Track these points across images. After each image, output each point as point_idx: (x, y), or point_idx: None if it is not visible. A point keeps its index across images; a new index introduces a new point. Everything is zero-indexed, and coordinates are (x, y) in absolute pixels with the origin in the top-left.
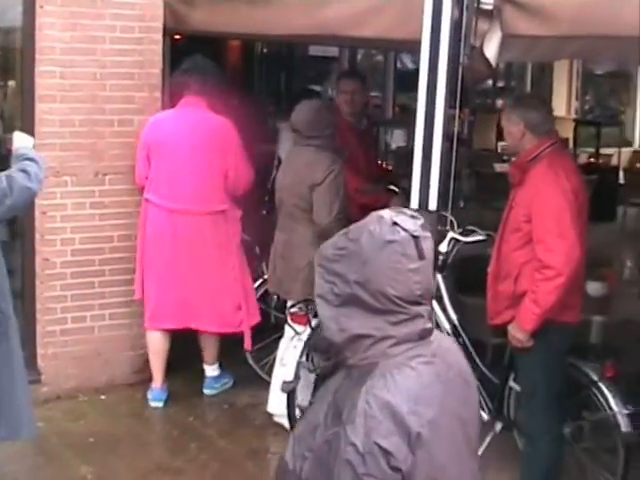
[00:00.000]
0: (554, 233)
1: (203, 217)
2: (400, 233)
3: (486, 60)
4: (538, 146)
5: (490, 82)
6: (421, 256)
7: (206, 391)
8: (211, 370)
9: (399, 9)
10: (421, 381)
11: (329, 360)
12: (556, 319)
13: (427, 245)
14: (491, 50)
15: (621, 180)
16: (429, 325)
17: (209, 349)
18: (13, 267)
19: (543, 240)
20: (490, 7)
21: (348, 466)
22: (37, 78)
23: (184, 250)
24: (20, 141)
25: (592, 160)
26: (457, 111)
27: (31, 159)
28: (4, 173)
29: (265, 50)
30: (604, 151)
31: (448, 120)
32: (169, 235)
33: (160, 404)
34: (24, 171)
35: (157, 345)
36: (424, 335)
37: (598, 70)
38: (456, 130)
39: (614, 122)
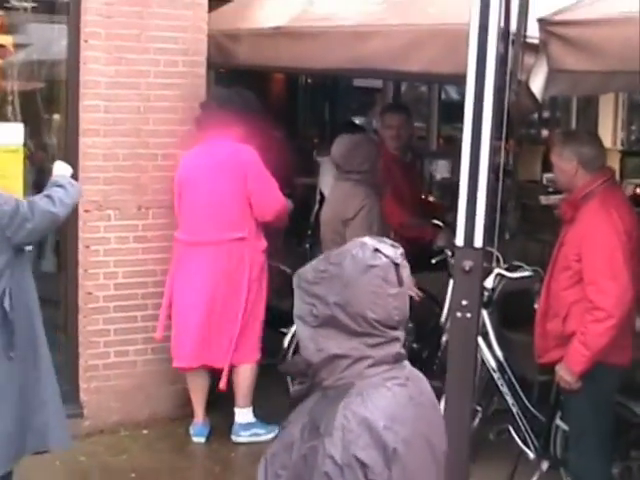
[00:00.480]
0: (606, 274)
1: (218, 246)
2: (382, 259)
3: (532, 94)
4: (591, 182)
5: (535, 113)
6: (400, 283)
7: (232, 437)
8: (240, 414)
9: (443, 43)
10: (396, 401)
11: (303, 384)
12: (606, 360)
13: (406, 273)
14: (537, 84)
15: None
16: (403, 350)
17: (237, 389)
18: (56, 300)
19: (594, 281)
20: (536, 41)
21: (326, 478)
22: (81, 112)
23: (198, 283)
24: (58, 169)
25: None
26: (503, 143)
27: (60, 185)
28: (29, 198)
29: (309, 81)
30: None
31: (494, 152)
32: (186, 269)
33: (202, 439)
34: (48, 196)
35: (195, 380)
36: (399, 359)
37: None
38: (502, 162)
39: None
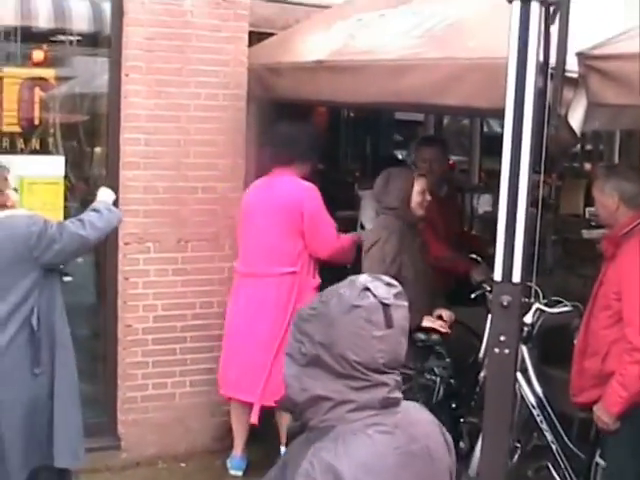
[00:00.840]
0: None
1: (268, 279)
2: (369, 299)
3: (571, 128)
4: (633, 219)
5: (579, 146)
6: (389, 324)
7: None
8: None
9: (481, 77)
10: (374, 450)
11: (297, 421)
12: None
13: (399, 314)
14: (576, 119)
15: None
16: (395, 395)
17: (281, 427)
18: (96, 332)
19: (633, 322)
20: (575, 75)
21: None
22: (122, 145)
23: (246, 314)
24: (101, 195)
25: None
26: (542, 177)
27: (96, 210)
28: (59, 221)
29: (351, 115)
30: None
31: (533, 186)
32: (239, 299)
33: (239, 472)
34: (80, 220)
35: (238, 410)
36: (387, 404)
37: None
38: (540, 196)
39: None
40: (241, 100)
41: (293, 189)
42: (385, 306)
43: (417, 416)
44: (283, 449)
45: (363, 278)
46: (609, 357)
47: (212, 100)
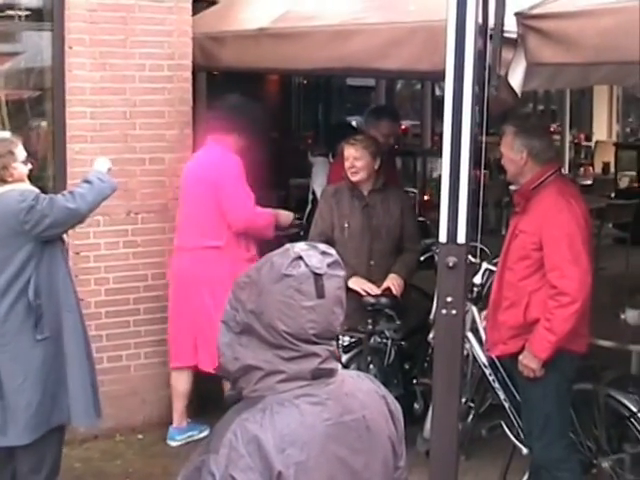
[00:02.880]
0: (568, 259)
1: (196, 252)
2: (300, 268)
3: (511, 89)
4: (542, 173)
5: (531, 107)
6: (320, 294)
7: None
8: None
9: (422, 41)
10: (302, 421)
11: (233, 389)
12: (567, 348)
13: (332, 284)
14: (516, 79)
15: None
16: (328, 365)
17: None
18: None
19: (558, 267)
20: (514, 36)
21: None
22: (68, 119)
23: (183, 287)
24: (96, 164)
25: (634, 184)
26: (484, 138)
27: (88, 181)
28: (51, 195)
29: (303, 82)
30: None
31: (478, 148)
32: (176, 273)
33: (173, 443)
34: (71, 192)
35: (177, 381)
36: (318, 375)
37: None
38: (483, 157)
39: None
40: (186, 70)
41: (215, 161)
42: (317, 275)
43: (355, 386)
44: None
45: (298, 247)
46: (530, 306)
47: (157, 71)
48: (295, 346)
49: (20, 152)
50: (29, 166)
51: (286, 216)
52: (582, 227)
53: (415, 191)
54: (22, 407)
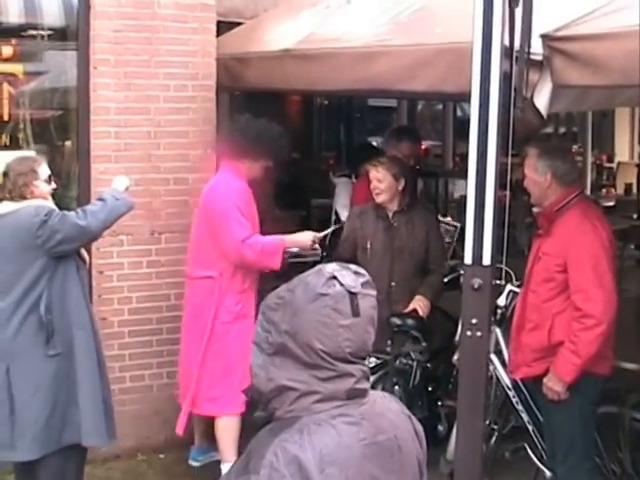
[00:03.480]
0: (593, 282)
1: (193, 282)
2: (335, 287)
3: (537, 110)
4: (566, 195)
5: (552, 128)
6: (355, 313)
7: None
8: (223, 468)
9: (448, 62)
10: (339, 441)
11: (264, 411)
12: (591, 371)
13: (366, 303)
14: (542, 101)
15: None
16: (362, 385)
17: (219, 442)
18: None
19: (582, 289)
20: (540, 58)
21: None
22: (92, 138)
23: (184, 319)
24: (114, 183)
25: None
26: (509, 159)
27: (102, 199)
28: (64, 211)
29: (324, 102)
30: None
31: (502, 170)
32: (184, 303)
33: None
34: (83, 210)
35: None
36: (353, 395)
37: None
38: (509, 179)
39: None
40: (210, 91)
41: (215, 188)
42: (352, 294)
43: (385, 406)
44: (222, 466)
45: (331, 267)
46: (554, 329)
47: (181, 91)
48: (332, 365)
49: (43, 171)
50: (53, 185)
51: (305, 237)
52: (607, 249)
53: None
54: (30, 421)
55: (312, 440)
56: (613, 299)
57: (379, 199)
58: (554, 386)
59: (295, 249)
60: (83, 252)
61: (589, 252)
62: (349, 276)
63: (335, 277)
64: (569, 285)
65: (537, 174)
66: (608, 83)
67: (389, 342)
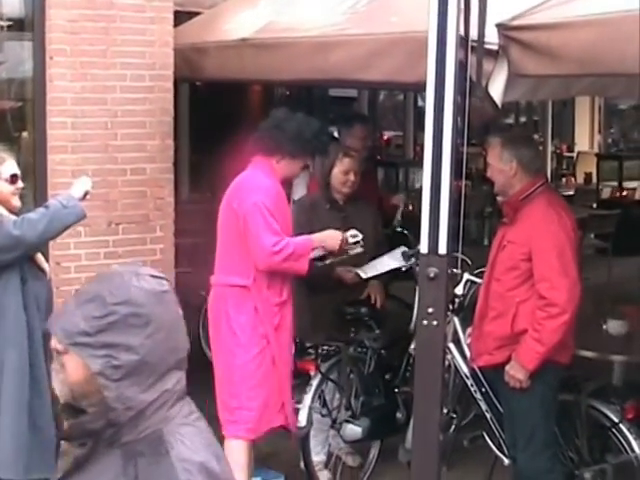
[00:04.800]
0: (558, 271)
1: (223, 289)
2: (165, 283)
3: (492, 100)
4: (531, 184)
5: (513, 118)
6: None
7: None
8: None
9: (404, 52)
10: (205, 436)
11: (84, 445)
12: (553, 359)
13: (173, 301)
14: (497, 90)
15: None
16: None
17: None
18: None
19: (547, 278)
20: (495, 47)
21: None
22: (49, 129)
23: (211, 326)
24: (72, 187)
25: (616, 194)
26: (464, 149)
27: (47, 206)
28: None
29: (285, 92)
30: (628, 184)
31: (458, 159)
32: (209, 310)
33: None
34: (22, 217)
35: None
36: (185, 390)
37: (621, 104)
38: (464, 168)
39: (637, 155)
40: (168, 81)
41: (241, 186)
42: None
43: None
44: None
45: (135, 269)
46: (518, 317)
47: (138, 81)
48: (181, 365)
49: (5, 169)
50: (18, 185)
51: (333, 238)
52: (571, 238)
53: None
54: None
55: (194, 442)
56: (577, 288)
57: (351, 190)
58: (516, 374)
59: (320, 252)
60: (41, 262)
61: (554, 241)
62: (155, 273)
63: (155, 275)
64: (533, 274)
65: (502, 163)
66: (564, 72)
67: (348, 330)
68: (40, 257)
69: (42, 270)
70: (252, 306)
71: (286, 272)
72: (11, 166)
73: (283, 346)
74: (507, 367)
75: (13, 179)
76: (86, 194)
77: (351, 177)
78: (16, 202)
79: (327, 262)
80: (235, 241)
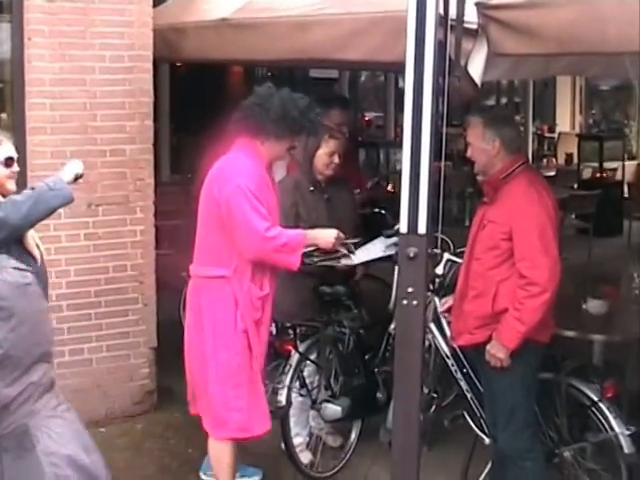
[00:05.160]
0: (539, 250)
1: (202, 281)
2: (29, 276)
3: (471, 79)
4: (512, 163)
5: (494, 99)
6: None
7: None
8: None
9: (383, 31)
10: (74, 428)
11: None
12: (534, 338)
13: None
14: (476, 69)
15: (626, 194)
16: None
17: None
18: None
19: (528, 257)
20: (474, 26)
21: None
22: (27, 110)
23: (187, 323)
24: (63, 169)
25: (597, 175)
26: (444, 129)
27: (33, 187)
28: None
29: (267, 74)
30: (609, 165)
31: (438, 140)
32: (186, 302)
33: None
34: (7, 200)
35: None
36: (54, 381)
37: (603, 84)
38: (443, 148)
39: (618, 136)
40: (147, 61)
41: (222, 170)
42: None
43: None
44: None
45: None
46: (498, 296)
47: (117, 62)
48: (49, 357)
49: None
50: (14, 168)
51: (326, 236)
52: (552, 218)
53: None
54: None
55: (62, 436)
56: (558, 267)
57: (332, 172)
58: (497, 353)
59: (312, 248)
60: (31, 248)
61: (535, 220)
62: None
63: (18, 268)
64: (514, 253)
65: (484, 142)
66: (543, 52)
67: (326, 310)
68: (30, 242)
69: (32, 255)
70: (232, 299)
71: (275, 264)
72: (7, 149)
73: (262, 343)
74: (488, 346)
75: (8, 162)
76: (77, 177)
77: (335, 159)
78: (11, 186)
79: (315, 260)
80: (215, 230)
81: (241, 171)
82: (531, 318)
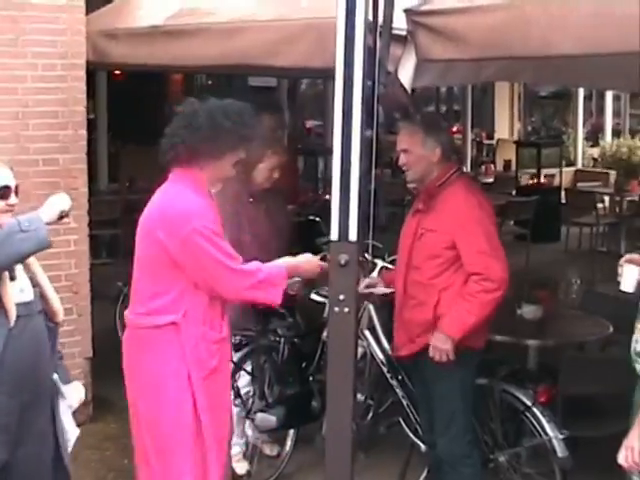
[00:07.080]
0: (488, 254)
1: (141, 332)
2: None
3: (402, 85)
4: (447, 171)
5: (434, 106)
6: None
7: None
8: None
9: (314, 38)
10: None
11: None
12: (471, 345)
13: None
14: (406, 75)
15: (563, 200)
16: None
17: None
18: None
19: (479, 261)
20: (403, 33)
21: None
22: None
23: (128, 382)
24: (46, 204)
25: (534, 181)
26: (374, 136)
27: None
28: None
29: (207, 82)
30: (547, 172)
31: (381, 148)
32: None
33: None
34: None
35: None
36: None
37: (542, 91)
38: (374, 154)
39: (555, 143)
40: (80, 70)
41: (168, 213)
42: None
43: None
44: None
45: None
46: (440, 305)
47: (50, 71)
48: None
49: None
50: (11, 200)
51: (309, 263)
52: (494, 223)
53: None
54: None
55: None
56: (507, 270)
57: (270, 185)
58: (443, 345)
59: (297, 279)
60: (6, 301)
61: (480, 226)
62: None
63: None
64: (461, 260)
65: (425, 149)
66: (470, 57)
67: (261, 319)
68: (9, 292)
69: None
70: (179, 350)
71: (254, 301)
72: (2, 177)
73: (222, 393)
74: (432, 341)
75: (3, 193)
76: (62, 216)
77: (276, 174)
78: (4, 221)
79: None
80: (162, 274)
81: (190, 211)
82: (480, 311)
